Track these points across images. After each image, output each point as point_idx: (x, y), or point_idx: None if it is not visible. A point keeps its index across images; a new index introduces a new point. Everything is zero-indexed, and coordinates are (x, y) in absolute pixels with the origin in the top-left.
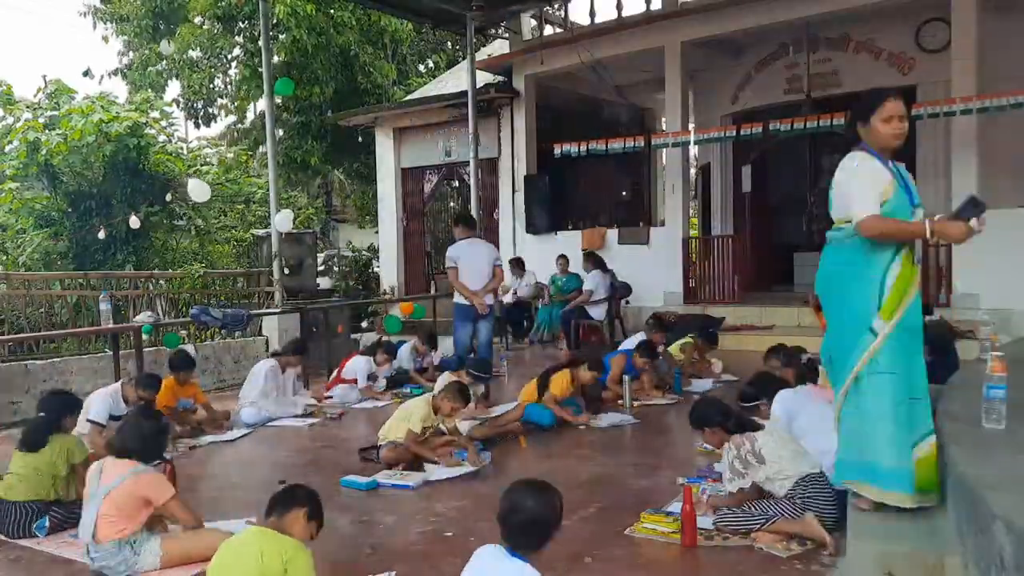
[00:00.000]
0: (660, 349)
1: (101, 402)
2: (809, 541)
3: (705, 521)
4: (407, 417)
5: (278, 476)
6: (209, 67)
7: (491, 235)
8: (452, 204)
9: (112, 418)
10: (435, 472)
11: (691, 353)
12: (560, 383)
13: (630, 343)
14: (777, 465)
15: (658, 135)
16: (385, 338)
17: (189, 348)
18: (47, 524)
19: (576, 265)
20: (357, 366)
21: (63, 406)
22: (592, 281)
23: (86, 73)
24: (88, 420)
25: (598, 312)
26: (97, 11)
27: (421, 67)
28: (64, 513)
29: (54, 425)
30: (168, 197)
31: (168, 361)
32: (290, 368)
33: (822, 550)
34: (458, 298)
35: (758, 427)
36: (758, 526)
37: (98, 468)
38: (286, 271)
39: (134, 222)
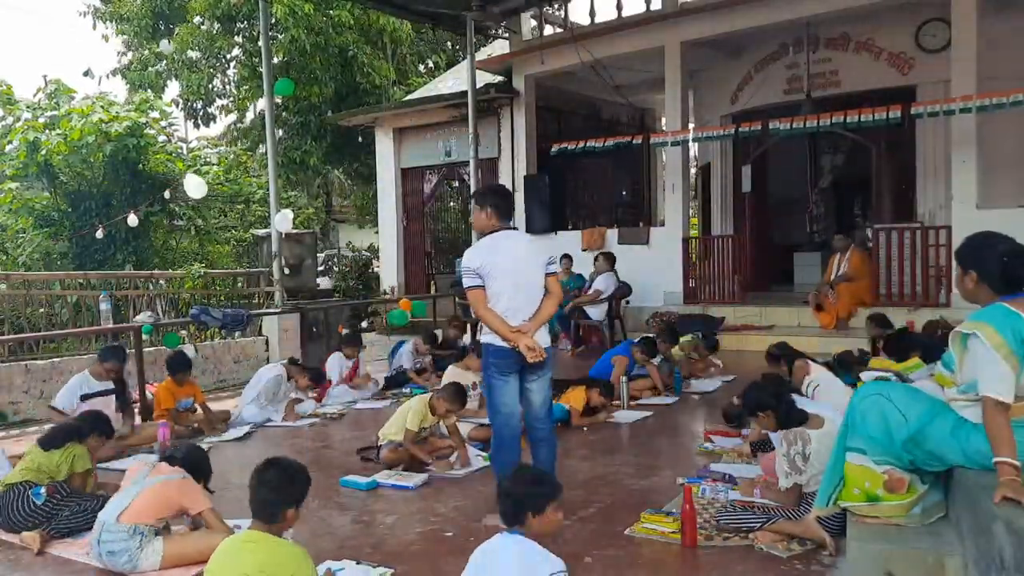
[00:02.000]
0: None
1: (68, 390)
2: (809, 541)
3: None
4: (405, 417)
5: None
6: (208, 67)
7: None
8: (452, 204)
9: (84, 397)
10: (434, 473)
11: (689, 351)
12: (579, 398)
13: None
14: (818, 467)
15: (658, 134)
16: (347, 332)
17: (188, 348)
18: (43, 491)
19: (578, 266)
20: (331, 365)
21: (95, 424)
22: (604, 282)
23: (86, 73)
24: (51, 407)
25: (597, 313)
26: (97, 11)
27: (421, 67)
28: (63, 488)
29: (76, 435)
30: (166, 195)
31: (166, 363)
32: (294, 382)
33: (822, 550)
34: (489, 336)
35: (806, 417)
36: (758, 525)
37: (150, 466)
38: (286, 271)
39: (132, 220)
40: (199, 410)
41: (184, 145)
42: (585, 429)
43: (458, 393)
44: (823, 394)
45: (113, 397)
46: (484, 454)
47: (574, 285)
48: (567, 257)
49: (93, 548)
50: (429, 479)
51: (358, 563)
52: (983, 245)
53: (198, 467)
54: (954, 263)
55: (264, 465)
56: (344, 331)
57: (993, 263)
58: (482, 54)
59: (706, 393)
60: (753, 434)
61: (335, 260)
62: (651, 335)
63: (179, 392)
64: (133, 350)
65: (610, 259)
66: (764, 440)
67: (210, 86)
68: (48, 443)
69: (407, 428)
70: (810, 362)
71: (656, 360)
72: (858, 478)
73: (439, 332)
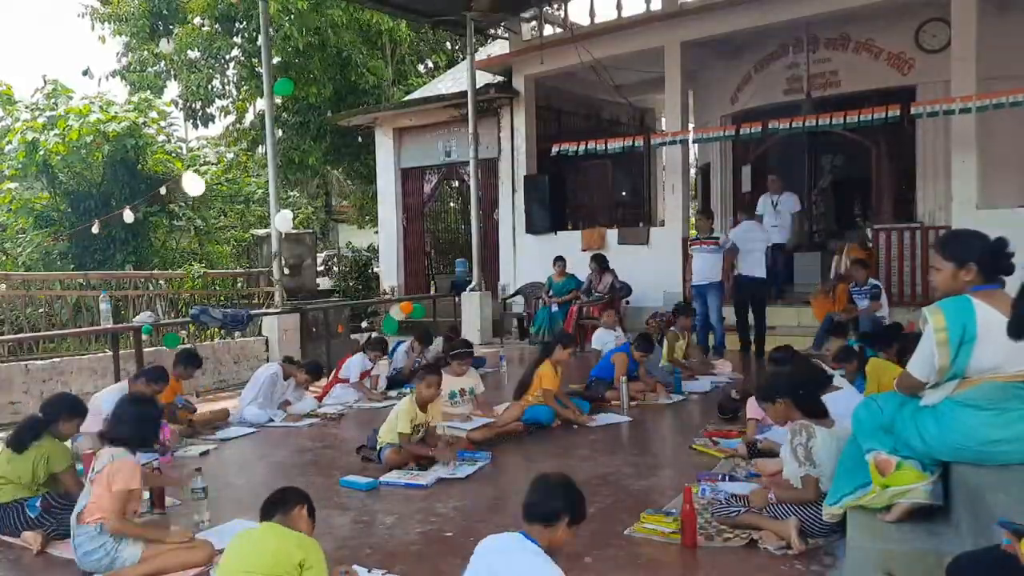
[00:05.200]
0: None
1: (111, 402)
2: (810, 539)
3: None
4: (396, 418)
5: (278, 476)
6: (207, 68)
7: (491, 235)
8: (452, 204)
9: None
10: (441, 469)
11: (674, 340)
12: (549, 375)
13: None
14: (827, 467)
15: (658, 135)
16: (376, 334)
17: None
18: (39, 504)
19: (572, 267)
20: (352, 364)
21: (62, 409)
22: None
23: (85, 73)
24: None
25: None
26: (95, 12)
27: (420, 67)
28: (56, 500)
29: (43, 428)
30: (163, 191)
31: (176, 356)
32: (293, 380)
33: (788, 549)
34: None
35: (824, 411)
36: (736, 513)
37: (95, 457)
38: (286, 271)
39: (128, 216)
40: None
41: (183, 145)
42: (576, 427)
43: (431, 370)
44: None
45: None
46: (481, 455)
47: (569, 288)
48: (561, 259)
49: (74, 553)
50: (441, 476)
51: (369, 571)
52: (972, 238)
53: (132, 431)
54: (940, 260)
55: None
56: (374, 335)
57: (987, 255)
58: (482, 54)
59: (706, 393)
60: (750, 428)
61: (335, 260)
62: (648, 332)
63: (179, 388)
64: (133, 350)
65: (599, 260)
66: (756, 443)
67: (209, 86)
68: (15, 445)
69: (399, 432)
70: (820, 363)
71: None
72: (875, 475)
73: (437, 343)
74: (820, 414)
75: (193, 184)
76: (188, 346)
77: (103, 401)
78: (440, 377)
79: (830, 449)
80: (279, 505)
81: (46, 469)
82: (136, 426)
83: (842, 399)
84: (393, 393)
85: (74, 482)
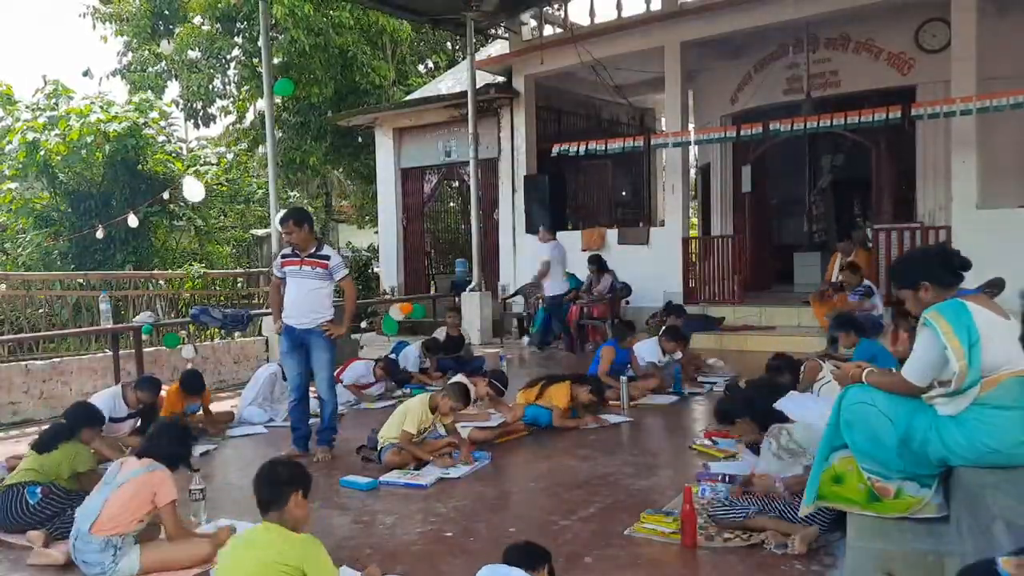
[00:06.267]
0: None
1: (101, 404)
2: (813, 542)
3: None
4: (403, 417)
5: None
6: (208, 68)
7: (491, 235)
8: (452, 204)
9: (112, 420)
10: (441, 470)
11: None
12: (562, 395)
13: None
14: (810, 450)
15: (658, 135)
16: (392, 356)
17: (188, 348)
18: (39, 491)
19: (572, 267)
20: (355, 370)
21: (84, 418)
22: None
23: (86, 74)
24: None
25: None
26: (96, 12)
27: (421, 67)
28: (58, 489)
29: (69, 433)
30: (166, 195)
31: (180, 378)
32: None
33: (788, 549)
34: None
35: (784, 417)
36: (743, 516)
37: (119, 464)
38: None
39: (132, 221)
40: (200, 412)
41: (184, 145)
42: (581, 427)
43: (463, 392)
44: (829, 392)
45: (130, 422)
46: (481, 455)
47: (571, 286)
48: None
49: (72, 552)
50: (441, 477)
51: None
52: (916, 258)
53: (170, 450)
54: (900, 290)
55: (265, 464)
56: (389, 356)
57: (936, 265)
58: (482, 54)
59: (705, 393)
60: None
61: None
62: (628, 319)
63: (189, 400)
64: (133, 350)
65: (596, 261)
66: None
67: (210, 87)
68: (42, 446)
69: (404, 430)
70: (821, 361)
71: (664, 359)
72: (859, 474)
73: (439, 333)
74: (781, 420)
75: (193, 191)
76: (192, 368)
77: (96, 405)
78: (465, 404)
79: (807, 435)
80: (273, 499)
81: (71, 467)
82: (169, 448)
83: (811, 406)
84: (398, 393)
85: (93, 484)
